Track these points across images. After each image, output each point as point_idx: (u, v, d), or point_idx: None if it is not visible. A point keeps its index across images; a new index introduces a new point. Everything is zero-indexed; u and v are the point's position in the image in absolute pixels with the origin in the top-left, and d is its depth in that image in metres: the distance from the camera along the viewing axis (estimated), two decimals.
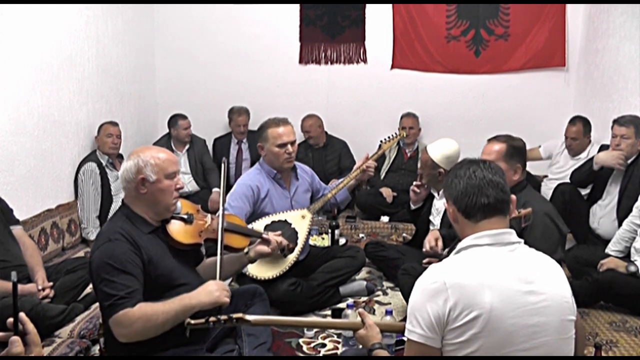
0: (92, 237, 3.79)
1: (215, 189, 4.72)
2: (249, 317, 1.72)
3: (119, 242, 1.89)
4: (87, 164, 3.89)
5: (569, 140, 4.22)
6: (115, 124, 4.12)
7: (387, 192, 4.66)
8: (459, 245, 1.49)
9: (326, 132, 5.08)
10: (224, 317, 1.68)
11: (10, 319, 1.08)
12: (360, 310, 1.80)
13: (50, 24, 3.65)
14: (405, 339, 1.45)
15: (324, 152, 5.02)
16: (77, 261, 2.99)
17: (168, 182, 2.01)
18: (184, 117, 4.87)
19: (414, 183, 3.28)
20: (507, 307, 1.34)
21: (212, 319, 1.67)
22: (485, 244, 1.44)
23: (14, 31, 3.27)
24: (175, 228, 2.08)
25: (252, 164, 4.66)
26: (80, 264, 2.91)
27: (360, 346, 1.75)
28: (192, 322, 1.69)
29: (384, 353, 1.64)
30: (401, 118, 4.99)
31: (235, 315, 1.69)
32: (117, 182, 3.97)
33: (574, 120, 4.25)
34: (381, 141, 3.47)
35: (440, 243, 2.68)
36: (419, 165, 3.72)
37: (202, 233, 2.15)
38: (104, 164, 3.96)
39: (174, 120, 4.86)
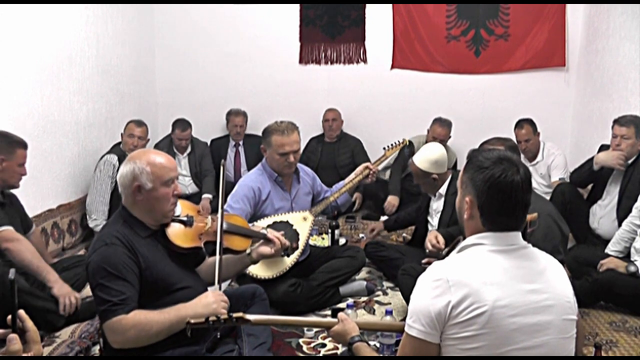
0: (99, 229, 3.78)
1: (205, 195, 4.65)
2: (249, 317, 1.72)
3: (115, 247, 1.87)
4: (109, 155, 3.91)
5: (523, 143, 4.23)
6: (141, 124, 4.05)
7: (391, 203, 4.53)
8: (463, 243, 1.49)
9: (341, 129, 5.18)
10: (224, 316, 1.68)
11: (9, 316, 1.07)
12: (341, 314, 1.77)
13: (50, 24, 3.64)
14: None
15: (336, 146, 5.09)
16: (73, 259, 3.00)
17: (164, 189, 1.96)
18: (184, 126, 4.72)
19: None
20: (509, 305, 1.34)
21: (212, 318, 1.67)
22: (489, 243, 1.44)
23: (14, 31, 3.27)
24: (175, 231, 2.04)
25: (249, 169, 4.58)
26: (77, 261, 2.92)
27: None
28: (192, 321, 1.69)
29: (364, 346, 1.63)
30: (432, 124, 4.70)
31: (235, 315, 1.69)
32: None
33: (520, 123, 4.29)
34: (384, 148, 3.44)
35: (441, 239, 2.69)
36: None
37: (202, 236, 2.11)
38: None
39: (174, 125, 4.78)
